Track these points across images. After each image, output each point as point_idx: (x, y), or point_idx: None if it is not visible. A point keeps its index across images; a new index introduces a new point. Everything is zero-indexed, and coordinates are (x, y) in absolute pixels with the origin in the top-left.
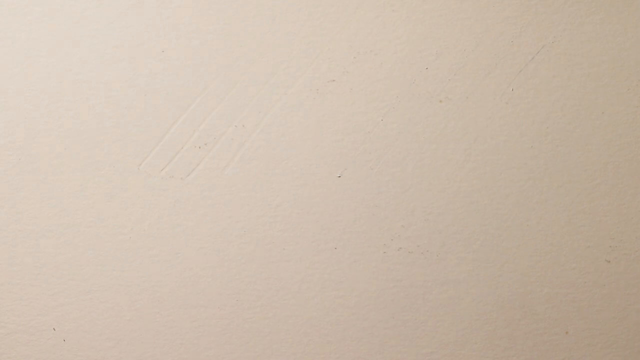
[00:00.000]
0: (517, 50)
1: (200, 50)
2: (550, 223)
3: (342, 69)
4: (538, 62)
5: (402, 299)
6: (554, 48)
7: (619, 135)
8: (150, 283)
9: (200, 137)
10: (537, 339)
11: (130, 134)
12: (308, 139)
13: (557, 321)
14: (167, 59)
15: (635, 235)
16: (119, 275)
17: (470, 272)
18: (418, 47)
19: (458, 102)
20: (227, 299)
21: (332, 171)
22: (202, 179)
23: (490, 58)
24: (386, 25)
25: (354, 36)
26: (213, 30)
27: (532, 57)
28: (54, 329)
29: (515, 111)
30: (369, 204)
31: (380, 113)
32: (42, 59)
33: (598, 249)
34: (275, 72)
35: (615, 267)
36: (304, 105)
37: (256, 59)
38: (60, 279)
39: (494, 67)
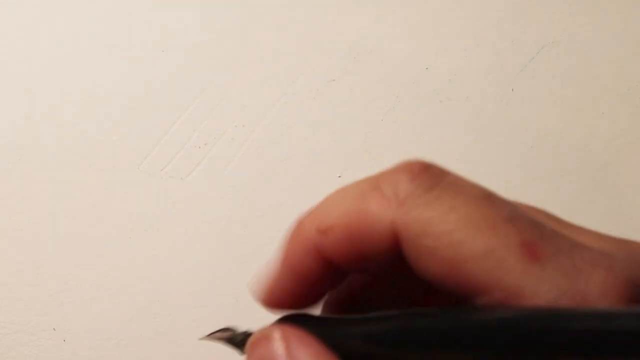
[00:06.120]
0: (517, 50)
1: (200, 50)
2: None
3: (342, 69)
4: (538, 62)
5: None
6: (554, 48)
7: (619, 135)
8: (150, 283)
9: (200, 137)
10: None
11: (130, 134)
12: (308, 139)
13: None
14: (167, 59)
15: (636, 235)
16: (119, 275)
17: None
18: (418, 47)
19: (458, 102)
20: (227, 299)
21: (332, 171)
22: (202, 179)
23: (490, 58)
24: (386, 25)
25: (354, 36)
26: (213, 30)
27: (532, 57)
28: (54, 329)
29: (515, 111)
30: None
31: (380, 113)
32: (41, 58)
33: None
34: (275, 72)
35: None
36: (304, 104)
37: (256, 59)
38: (60, 279)
39: (494, 67)
